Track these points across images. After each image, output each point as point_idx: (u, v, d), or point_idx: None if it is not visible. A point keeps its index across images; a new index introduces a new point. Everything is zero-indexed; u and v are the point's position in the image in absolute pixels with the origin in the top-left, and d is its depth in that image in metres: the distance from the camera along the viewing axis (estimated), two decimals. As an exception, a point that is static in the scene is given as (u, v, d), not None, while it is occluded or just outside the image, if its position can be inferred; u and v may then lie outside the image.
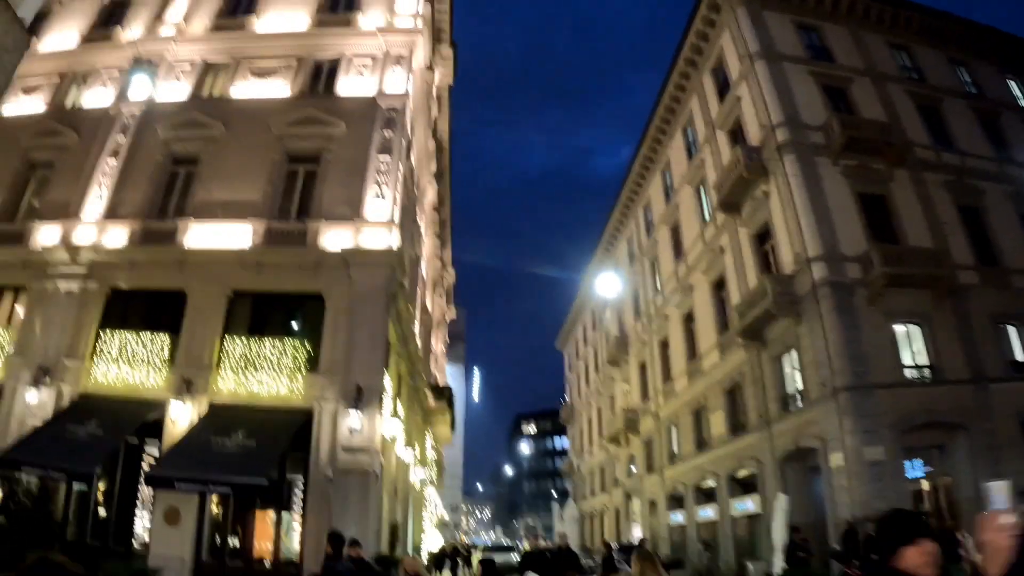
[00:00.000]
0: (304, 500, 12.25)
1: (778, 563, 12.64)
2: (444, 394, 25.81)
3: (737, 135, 19.41)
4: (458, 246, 37.30)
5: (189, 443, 11.88)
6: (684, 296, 23.04)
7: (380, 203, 14.21)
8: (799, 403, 15.65)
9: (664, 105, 24.89)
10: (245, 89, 16.25)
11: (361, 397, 12.35)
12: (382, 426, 12.88)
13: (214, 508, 12.62)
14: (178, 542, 11.84)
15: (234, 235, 13.95)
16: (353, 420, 12.27)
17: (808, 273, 15.10)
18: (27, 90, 17.84)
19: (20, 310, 14.73)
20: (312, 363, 12.88)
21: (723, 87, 20.64)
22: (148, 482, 11.75)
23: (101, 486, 13.09)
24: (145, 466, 12.98)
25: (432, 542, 32.33)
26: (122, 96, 16.50)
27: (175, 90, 16.55)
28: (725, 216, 19.46)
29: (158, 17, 17.93)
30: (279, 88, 16.17)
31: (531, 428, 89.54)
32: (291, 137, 15.24)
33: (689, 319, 22.77)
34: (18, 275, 14.75)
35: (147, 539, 12.26)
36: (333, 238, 13.77)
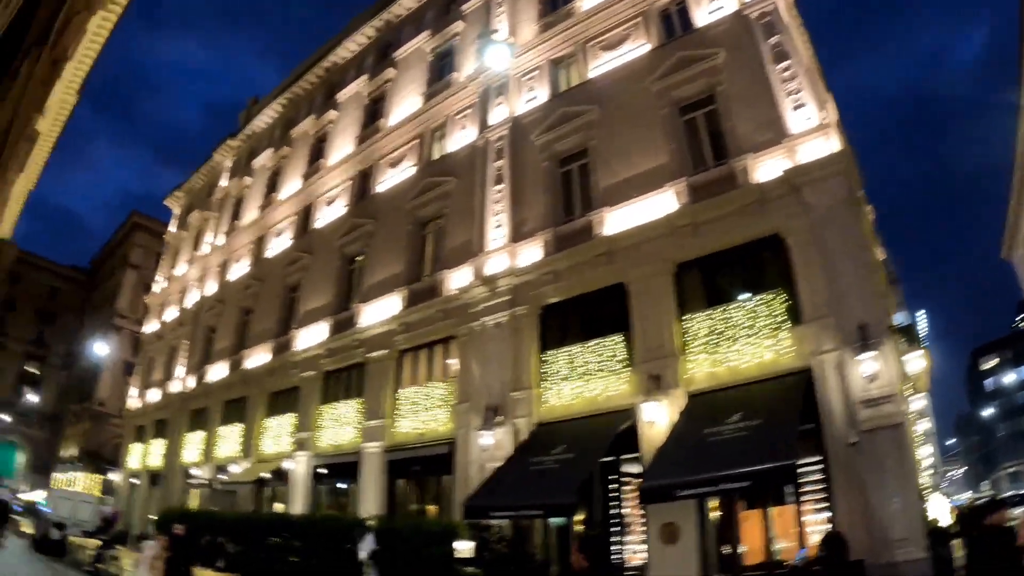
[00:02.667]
0: (826, 481, 12.35)
1: None
2: (912, 335, 24.45)
3: None
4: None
5: (676, 443, 13.04)
6: None
7: (802, 111, 14.91)
8: None
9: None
10: (603, 65, 19.22)
11: (867, 336, 12.37)
12: (901, 365, 12.68)
13: (712, 515, 13.48)
14: (680, 562, 12.85)
15: (654, 207, 15.96)
16: (866, 365, 12.19)
17: None
18: (392, 163, 24.07)
19: (451, 362, 18.89)
20: (794, 314, 13.46)
21: None
22: (644, 498, 13.02)
23: (578, 515, 15.12)
24: (626, 483, 14.77)
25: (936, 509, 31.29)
26: (483, 127, 21.14)
27: (533, 98, 20.52)
28: None
29: (486, 46, 22.57)
30: (637, 49, 18.67)
31: (993, 362, 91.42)
32: (674, 87, 17.26)
33: None
34: (442, 327, 19.22)
35: (640, 564, 13.68)
36: (767, 169, 14.73)
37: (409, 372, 20.39)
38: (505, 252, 18.33)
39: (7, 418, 60.08)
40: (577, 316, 16.75)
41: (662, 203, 15.90)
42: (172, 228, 45.40)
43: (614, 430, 14.52)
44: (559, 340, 16.71)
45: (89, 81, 21.95)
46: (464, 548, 14.38)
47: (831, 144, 14.23)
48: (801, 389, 12.77)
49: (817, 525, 12.57)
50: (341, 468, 21.41)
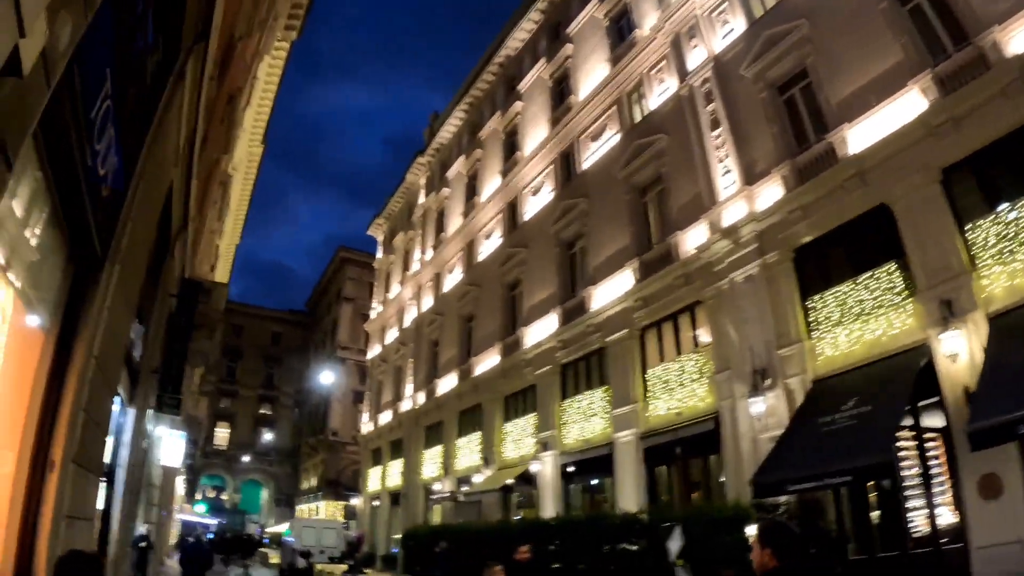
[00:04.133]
0: None
1: None
2: None
3: None
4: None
5: (997, 373, 11.64)
6: None
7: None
8: None
9: None
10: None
11: None
12: None
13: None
14: (1006, 518, 11.55)
15: (901, 110, 14.89)
16: None
17: None
18: (594, 136, 24.75)
19: (700, 330, 18.84)
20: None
21: None
22: (975, 443, 11.45)
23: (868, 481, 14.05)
24: (919, 434, 13.72)
25: None
26: (683, 75, 21.14)
27: (729, 32, 20.19)
28: None
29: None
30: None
31: None
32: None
33: None
34: (684, 294, 19.22)
35: (945, 527, 12.72)
36: (1022, 39, 13.25)
37: (654, 349, 20.51)
38: (741, 198, 17.99)
39: (247, 459, 68.55)
40: (838, 251, 16.01)
41: (909, 104, 14.81)
42: (379, 255, 49.27)
43: (912, 370, 13.47)
44: (822, 282, 16.03)
45: (273, 141, 24.39)
46: (752, 532, 13.97)
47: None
48: None
49: None
50: (592, 463, 21.87)
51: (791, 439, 14.58)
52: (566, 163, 26.77)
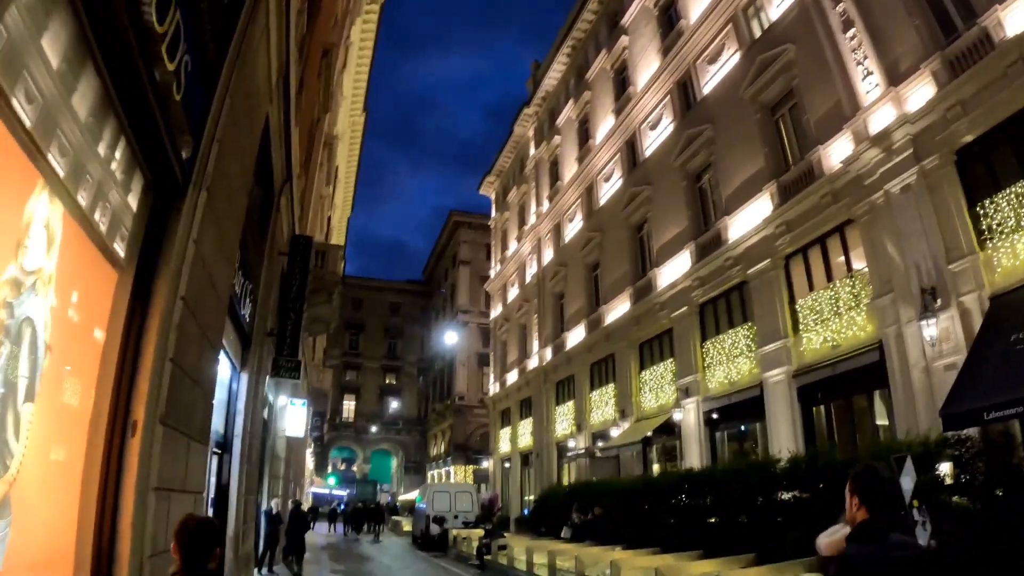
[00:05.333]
0: None
1: None
2: None
3: None
4: None
5: None
6: None
7: None
8: None
9: None
10: None
11: None
12: None
13: None
14: None
15: None
16: None
17: None
18: (711, 59, 24.14)
19: (853, 253, 17.91)
20: None
21: None
22: None
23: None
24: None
25: None
26: (801, -21, 19.88)
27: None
28: None
29: None
30: None
31: None
32: None
33: None
34: (832, 213, 18.26)
35: None
36: None
37: (801, 278, 19.62)
38: (887, 101, 16.83)
39: (375, 429, 71.74)
40: (1006, 148, 14.62)
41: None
42: (493, 213, 49.80)
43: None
44: (991, 185, 14.73)
45: (376, 121, 24.83)
46: (941, 472, 12.77)
47: None
48: None
49: None
50: (739, 407, 21.37)
51: (979, 362, 13.48)
52: (684, 91, 26.00)
